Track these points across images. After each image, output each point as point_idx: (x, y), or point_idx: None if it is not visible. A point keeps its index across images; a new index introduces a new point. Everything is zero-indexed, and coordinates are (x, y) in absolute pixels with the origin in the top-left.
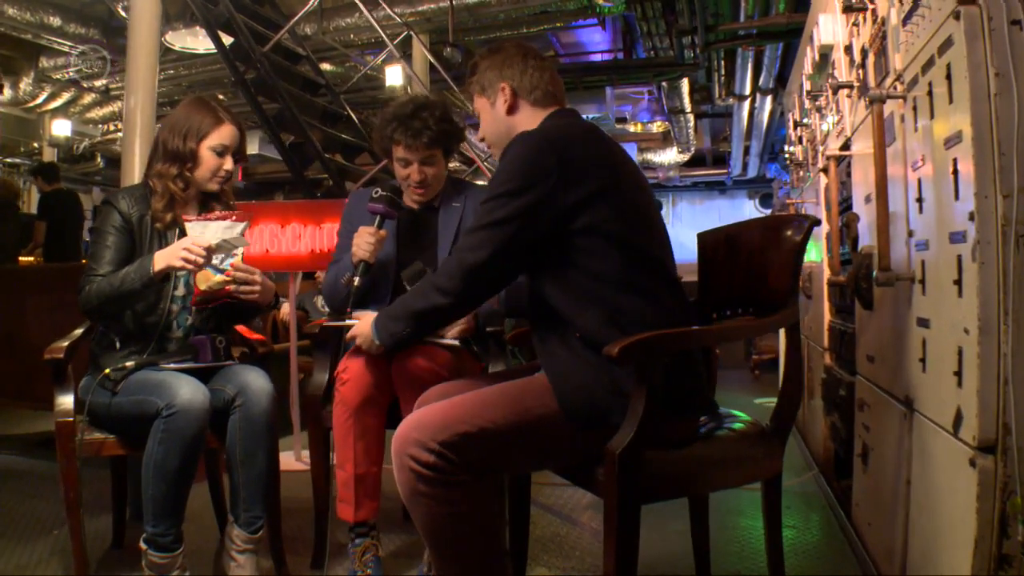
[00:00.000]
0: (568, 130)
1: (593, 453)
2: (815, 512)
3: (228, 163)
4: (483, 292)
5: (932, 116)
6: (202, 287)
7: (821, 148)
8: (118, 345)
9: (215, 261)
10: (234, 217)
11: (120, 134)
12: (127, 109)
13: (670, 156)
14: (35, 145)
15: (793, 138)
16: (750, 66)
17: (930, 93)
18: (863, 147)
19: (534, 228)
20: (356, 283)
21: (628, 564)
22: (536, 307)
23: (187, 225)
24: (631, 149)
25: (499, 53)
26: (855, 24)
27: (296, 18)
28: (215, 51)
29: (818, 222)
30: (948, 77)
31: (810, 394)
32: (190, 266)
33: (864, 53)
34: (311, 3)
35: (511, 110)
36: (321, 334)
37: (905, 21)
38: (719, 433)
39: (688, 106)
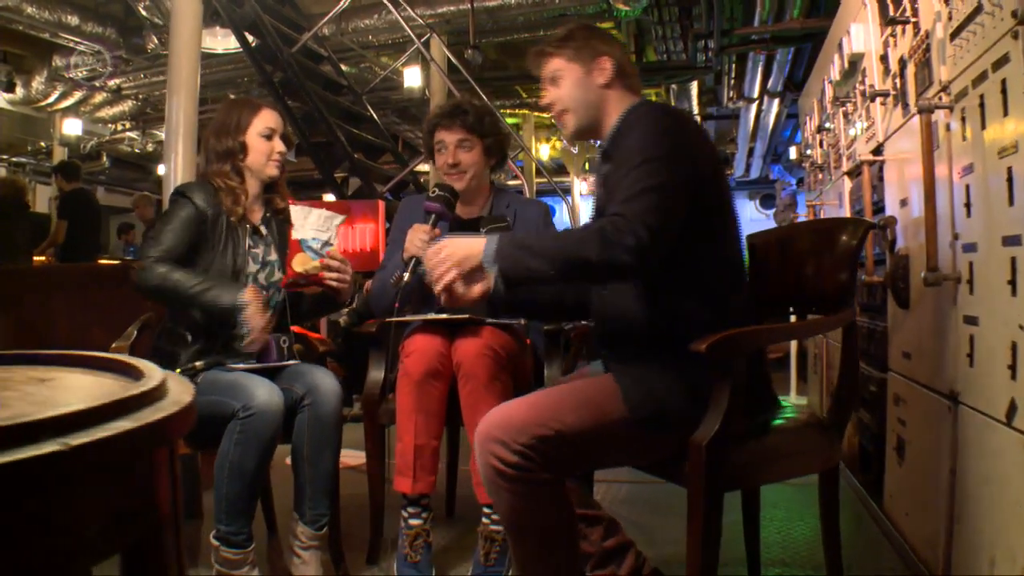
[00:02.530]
0: (688, 116)
1: (673, 450)
2: (843, 504)
3: (279, 145)
4: (659, 257)
5: (983, 126)
6: (298, 269)
7: (846, 152)
8: (190, 339)
9: (315, 246)
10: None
11: (129, 133)
12: (169, 109)
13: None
14: (42, 144)
15: (811, 141)
16: (760, 69)
17: (982, 105)
18: (897, 152)
19: (687, 198)
20: (406, 279)
21: (712, 551)
22: (607, 304)
23: (292, 208)
24: None
25: (599, 30)
26: (892, 35)
27: (327, 18)
28: (233, 51)
29: (872, 226)
30: (1003, 91)
31: (830, 392)
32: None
33: (903, 63)
34: (342, 3)
35: (607, 85)
36: (378, 333)
37: (953, 36)
38: (782, 424)
39: (696, 108)
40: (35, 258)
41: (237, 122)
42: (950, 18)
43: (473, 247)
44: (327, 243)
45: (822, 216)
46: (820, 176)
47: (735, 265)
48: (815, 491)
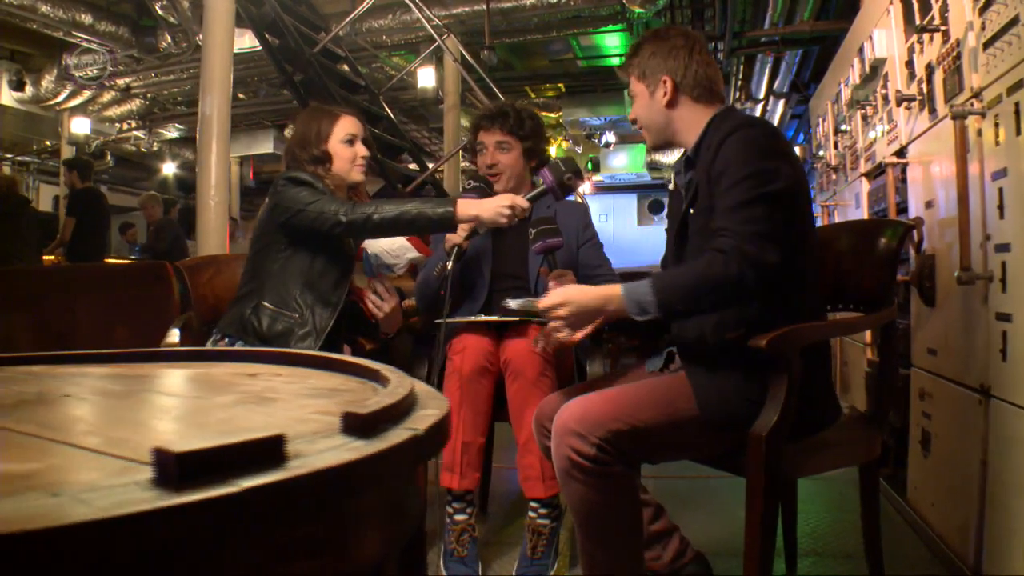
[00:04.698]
0: (776, 128)
1: (736, 445)
2: None
3: (361, 149)
4: (777, 261)
5: (1018, 132)
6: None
7: (864, 154)
8: (309, 319)
9: (373, 262)
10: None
11: (135, 133)
12: (202, 110)
13: (678, 156)
14: (48, 143)
15: (824, 143)
16: (767, 71)
17: (1017, 112)
18: (922, 154)
19: (785, 209)
20: (449, 267)
21: (769, 539)
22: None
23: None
24: (640, 150)
25: (665, 41)
26: (919, 42)
27: (350, 17)
28: (247, 50)
29: (911, 228)
30: None
31: (844, 388)
32: (505, 222)
33: (930, 69)
34: (365, 3)
35: (671, 104)
36: (422, 330)
37: (987, 46)
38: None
39: None
40: (44, 258)
41: (317, 132)
42: (983, 28)
43: (600, 302)
44: (385, 266)
45: (836, 217)
46: (834, 177)
47: (811, 276)
48: (833, 483)
